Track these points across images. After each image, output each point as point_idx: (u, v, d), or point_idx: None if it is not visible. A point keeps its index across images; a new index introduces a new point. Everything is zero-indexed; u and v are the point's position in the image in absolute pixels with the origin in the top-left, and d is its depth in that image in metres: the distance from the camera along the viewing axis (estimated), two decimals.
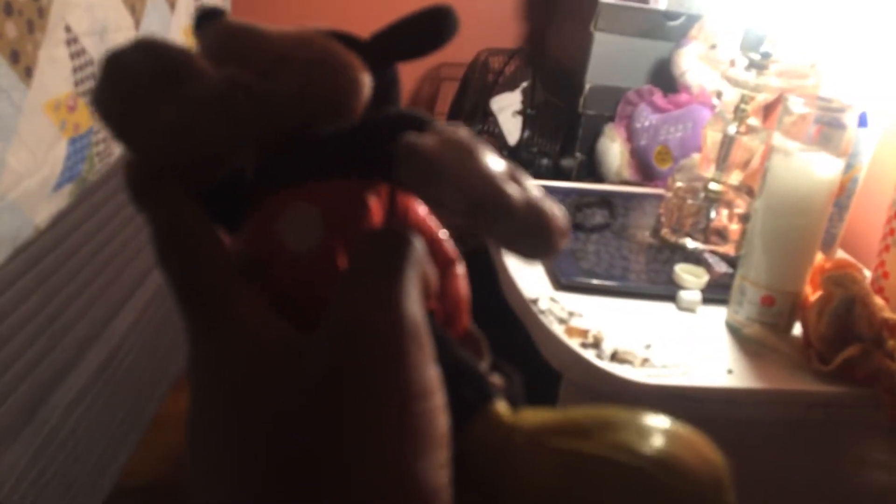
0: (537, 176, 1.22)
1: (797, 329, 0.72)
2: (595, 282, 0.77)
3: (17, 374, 0.75)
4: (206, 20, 0.37)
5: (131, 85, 0.33)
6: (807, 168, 0.67)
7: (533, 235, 0.32)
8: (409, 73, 1.58)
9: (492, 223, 0.32)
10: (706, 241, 0.88)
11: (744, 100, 0.84)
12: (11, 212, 0.64)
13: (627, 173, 1.19)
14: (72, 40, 0.73)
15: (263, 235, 0.40)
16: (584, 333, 0.68)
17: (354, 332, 0.28)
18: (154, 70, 0.33)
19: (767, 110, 1.09)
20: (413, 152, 0.31)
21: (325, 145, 0.42)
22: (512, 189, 0.31)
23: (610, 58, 1.21)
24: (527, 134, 1.26)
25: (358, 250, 0.33)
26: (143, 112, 0.33)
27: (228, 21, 0.38)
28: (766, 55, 0.79)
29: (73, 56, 0.73)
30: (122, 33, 0.83)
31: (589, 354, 0.65)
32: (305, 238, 0.40)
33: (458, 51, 1.48)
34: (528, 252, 0.32)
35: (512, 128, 1.25)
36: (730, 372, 0.66)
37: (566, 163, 1.26)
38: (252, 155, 0.40)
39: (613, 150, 1.19)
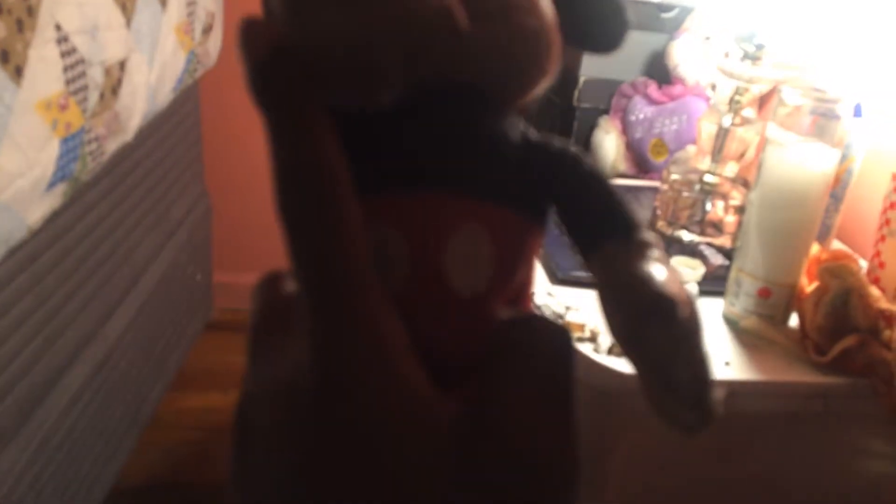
0: None
1: (794, 320, 0.72)
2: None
3: (12, 376, 0.74)
4: None
5: None
6: (802, 160, 0.67)
7: (696, 420, 0.34)
8: None
9: (678, 406, 0.34)
10: (702, 234, 0.88)
11: (738, 91, 0.84)
12: (4, 212, 0.64)
13: (623, 166, 1.19)
14: (62, 39, 0.72)
15: (428, 243, 0.36)
16: (580, 328, 0.68)
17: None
18: None
19: (763, 101, 1.09)
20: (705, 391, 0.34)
21: (501, 160, 0.39)
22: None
23: None
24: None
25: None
26: (329, 11, 0.29)
27: None
28: (759, 46, 0.79)
29: (64, 55, 0.72)
30: (113, 31, 0.82)
31: (586, 349, 0.65)
32: (473, 273, 0.37)
33: None
34: (683, 426, 0.34)
35: None
36: (727, 364, 0.66)
37: None
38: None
39: (609, 143, 1.19)
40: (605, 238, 0.39)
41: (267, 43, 0.30)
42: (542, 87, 0.42)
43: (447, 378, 0.34)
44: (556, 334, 0.38)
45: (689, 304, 0.34)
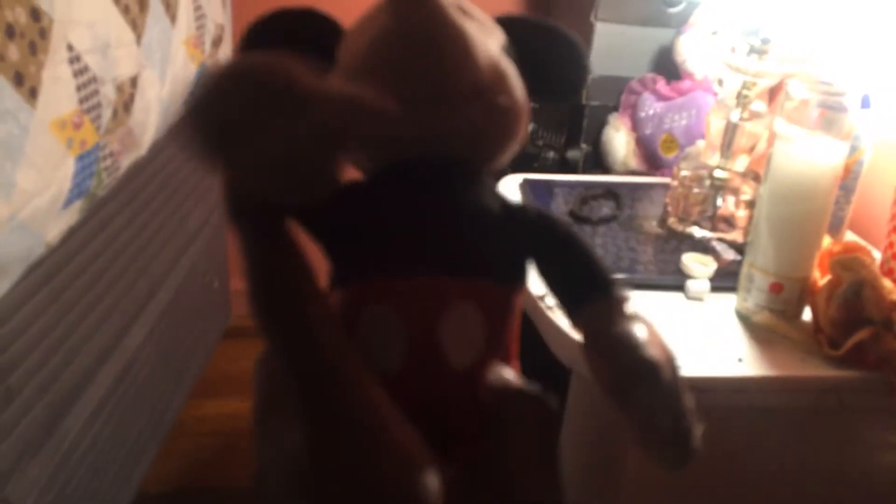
0: (543, 169, 1.22)
1: (807, 314, 0.72)
2: None
3: (36, 389, 0.76)
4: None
5: (233, 112, 0.31)
6: (809, 153, 0.67)
7: (679, 458, 0.37)
8: None
9: (662, 448, 0.37)
10: (713, 229, 0.88)
11: (745, 86, 0.84)
12: (22, 231, 0.66)
13: (634, 162, 1.19)
14: (74, 59, 0.74)
15: (423, 323, 0.40)
16: None
17: None
18: (260, 99, 0.31)
19: (773, 93, 1.09)
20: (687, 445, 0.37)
21: (484, 235, 0.43)
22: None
23: (611, 47, 1.20)
24: (532, 127, 1.26)
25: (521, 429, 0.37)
26: (245, 142, 0.32)
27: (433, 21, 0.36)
28: (765, 41, 0.79)
29: (77, 74, 0.74)
30: (124, 49, 0.83)
31: None
32: (467, 347, 0.40)
33: None
34: (667, 464, 0.37)
35: None
36: (740, 360, 0.66)
37: (572, 154, 1.26)
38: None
39: (619, 139, 1.19)
40: (586, 298, 0.44)
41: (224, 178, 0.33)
42: (513, 151, 0.45)
43: (445, 443, 0.36)
44: (543, 406, 0.42)
45: (671, 363, 0.38)
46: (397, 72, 0.37)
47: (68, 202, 0.72)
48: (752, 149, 0.89)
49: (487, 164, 0.44)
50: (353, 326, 0.39)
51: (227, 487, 1.17)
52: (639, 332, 0.40)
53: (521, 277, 0.44)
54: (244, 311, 1.52)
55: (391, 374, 0.38)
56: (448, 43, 0.37)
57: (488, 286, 0.42)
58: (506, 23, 0.47)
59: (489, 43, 0.41)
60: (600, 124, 1.22)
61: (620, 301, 0.43)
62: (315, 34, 0.45)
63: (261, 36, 0.45)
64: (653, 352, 0.38)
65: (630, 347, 0.39)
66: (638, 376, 0.37)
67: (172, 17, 0.97)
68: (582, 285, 0.44)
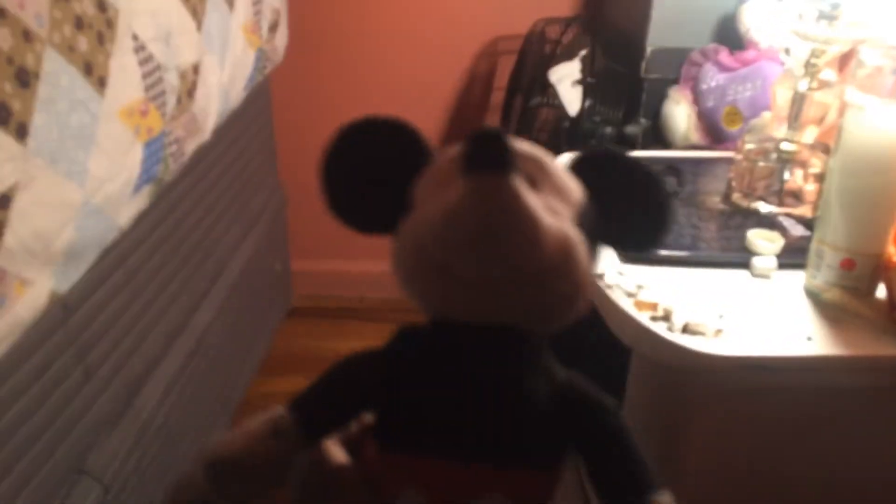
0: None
1: (881, 292, 0.69)
2: (664, 252, 0.76)
3: (112, 368, 0.80)
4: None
5: None
6: (884, 123, 0.64)
7: None
8: (465, 50, 1.56)
9: None
10: (780, 204, 0.85)
11: (814, 54, 0.80)
12: (97, 215, 0.68)
13: (695, 137, 1.15)
14: (139, 48, 0.76)
15: None
16: (653, 306, 0.67)
17: None
18: None
19: (843, 61, 1.04)
20: None
21: (528, 419, 0.44)
22: None
23: (671, 18, 1.17)
24: (588, 103, 1.23)
25: None
26: None
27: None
28: (835, 5, 0.75)
29: (142, 63, 0.76)
30: (186, 36, 0.85)
31: (659, 327, 0.64)
32: None
33: (514, 22, 1.46)
34: None
35: (572, 98, 1.23)
36: (809, 339, 0.64)
37: (631, 129, 1.23)
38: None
39: (679, 113, 1.16)
40: (623, 501, 0.44)
41: None
42: (570, 320, 0.45)
43: None
44: None
45: None
46: (466, 248, 0.38)
47: (138, 187, 0.75)
48: (821, 120, 0.85)
49: (542, 333, 0.44)
50: (385, 497, 0.41)
51: None
52: None
53: (560, 461, 0.45)
54: (305, 292, 1.56)
55: None
56: (518, 230, 0.38)
57: (524, 474, 0.42)
58: (587, 162, 0.46)
59: (561, 218, 0.41)
60: (660, 98, 1.19)
61: None
62: (401, 151, 0.46)
63: (349, 141, 0.47)
64: None
65: None
66: None
67: (230, 4, 0.99)
68: (621, 487, 0.44)
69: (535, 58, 1.34)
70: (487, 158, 0.37)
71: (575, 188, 0.44)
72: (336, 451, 0.46)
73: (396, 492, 0.42)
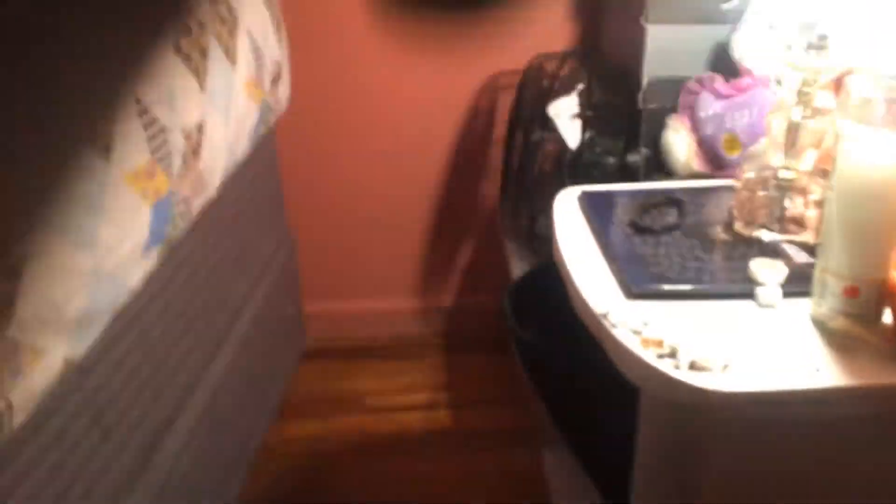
0: (604, 176, 1.21)
1: (887, 317, 0.69)
2: (667, 287, 0.76)
3: (128, 426, 0.81)
4: None
5: None
6: (879, 150, 0.64)
7: None
8: (468, 85, 1.59)
9: None
10: (783, 231, 0.85)
11: (806, 83, 0.81)
12: (109, 280, 0.70)
13: (696, 164, 1.16)
14: (143, 111, 0.78)
15: None
16: (659, 343, 0.67)
17: None
18: None
19: (838, 85, 1.05)
20: None
21: None
22: None
23: (665, 49, 1.18)
24: (588, 135, 1.25)
25: None
26: None
27: None
28: (822, 37, 0.76)
29: (146, 126, 0.78)
30: (190, 97, 0.88)
31: (665, 365, 0.64)
32: None
33: (514, 58, 1.48)
34: None
35: (571, 131, 1.25)
36: (818, 370, 0.64)
37: (632, 159, 1.24)
38: None
39: (679, 142, 1.17)
40: None
41: None
42: None
43: None
44: None
45: None
46: None
47: (147, 249, 0.77)
48: (819, 143, 0.86)
49: None
50: None
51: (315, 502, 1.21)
52: None
53: None
54: (318, 335, 1.57)
55: None
56: None
57: None
58: None
59: None
60: (658, 127, 1.20)
61: None
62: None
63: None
64: None
65: None
66: None
67: (233, 61, 1.01)
68: None
69: (533, 92, 1.36)
70: None
71: None
72: None
73: None
